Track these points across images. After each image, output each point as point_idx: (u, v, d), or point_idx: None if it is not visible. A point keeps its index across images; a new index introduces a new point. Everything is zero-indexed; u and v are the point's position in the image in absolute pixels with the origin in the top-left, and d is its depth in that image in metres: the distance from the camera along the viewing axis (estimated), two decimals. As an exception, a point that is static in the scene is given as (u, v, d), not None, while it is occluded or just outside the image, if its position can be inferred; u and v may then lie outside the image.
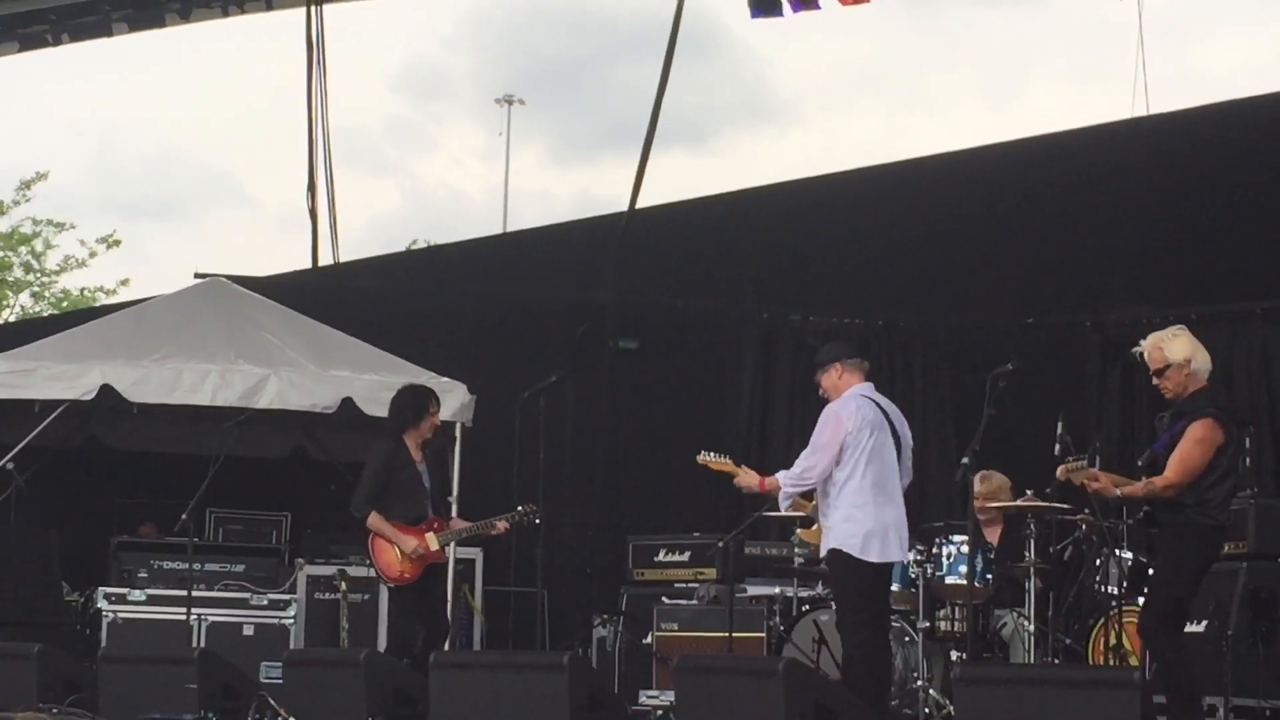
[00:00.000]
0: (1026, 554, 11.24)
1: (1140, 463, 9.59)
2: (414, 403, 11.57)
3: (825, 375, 10.20)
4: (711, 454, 11.52)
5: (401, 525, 11.24)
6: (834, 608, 10.71)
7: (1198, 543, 9.01)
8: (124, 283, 29.74)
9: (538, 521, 11.47)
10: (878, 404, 10.01)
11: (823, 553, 10.08)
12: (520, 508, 11.45)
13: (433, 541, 11.25)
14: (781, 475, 10.14)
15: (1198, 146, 14.25)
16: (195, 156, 50.80)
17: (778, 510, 11.45)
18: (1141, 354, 9.47)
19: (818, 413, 10.26)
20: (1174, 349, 9.30)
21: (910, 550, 10.77)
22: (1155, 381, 9.41)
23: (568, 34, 50.41)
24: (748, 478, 10.42)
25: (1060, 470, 9.85)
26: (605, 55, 51.07)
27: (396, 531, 11.19)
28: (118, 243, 30.45)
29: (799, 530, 11.46)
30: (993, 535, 11.88)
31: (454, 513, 11.91)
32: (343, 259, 16.07)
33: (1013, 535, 11.68)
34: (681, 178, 52.36)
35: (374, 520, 11.25)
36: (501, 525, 11.40)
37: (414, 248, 30.57)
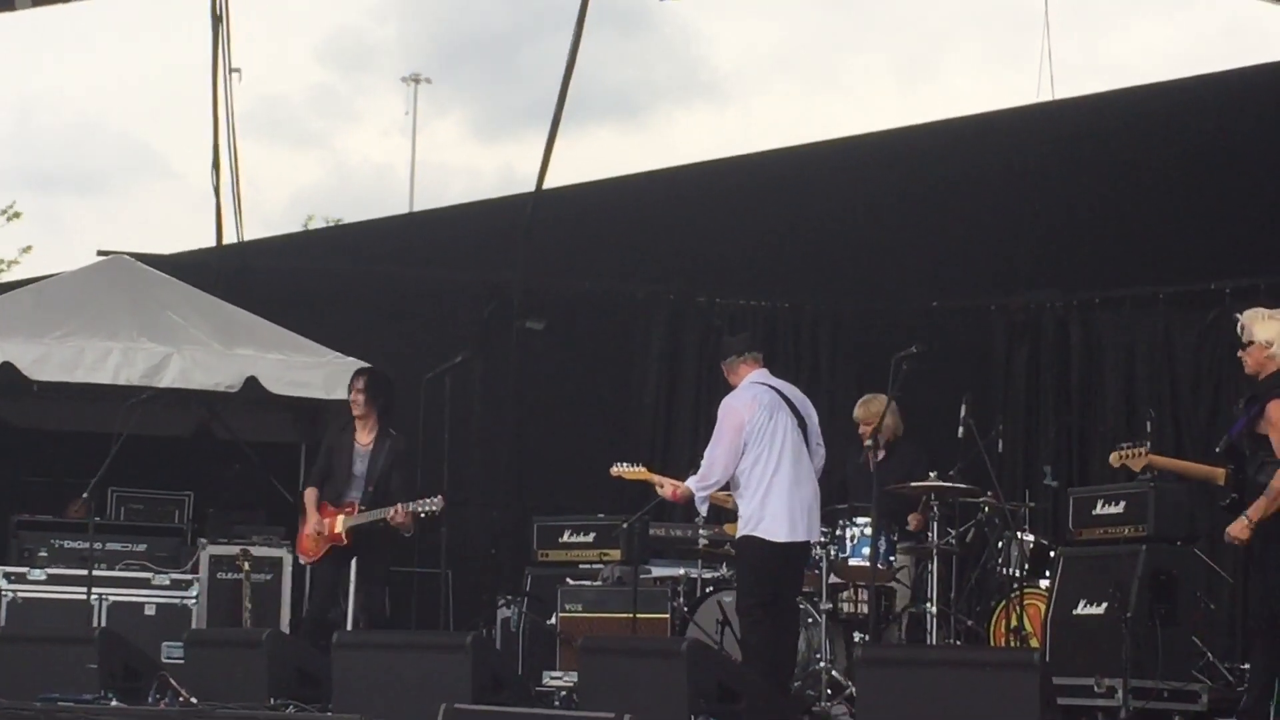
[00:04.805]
0: (929, 534, 11.31)
1: (1218, 449, 9.54)
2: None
3: (725, 369, 10.31)
4: (624, 464, 11.57)
5: (327, 504, 11.63)
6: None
7: None
8: (26, 250, 29.31)
9: (436, 513, 11.38)
10: (775, 388, 10.09)
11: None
12: (425, 500, 11.37)
13: (339, 524, 11.50)
14: (690, 481, 10.21)
15: (1102, 131, 14.34)
16: (117, 130, 50.24)
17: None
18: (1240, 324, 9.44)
19: (722, 395, 10.32)
20: (1261, 329, 9.28)
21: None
22: (1239, 353, 9.40)
23: (496, 6, 50.19)
24: (664, 489, 10.53)
25: (1114, 457, 9.78)
26: (535, 28, 50.69)
27: (311, 511, 11.65)
28: (18, 215, 30.04)
29: (726, 526, 11.45)
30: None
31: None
32: (264, 235, 15.98)
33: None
34: (615, 154, 52.19)
35: (304, 496, 11.77)
36: (396, 516, 11.35)
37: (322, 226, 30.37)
